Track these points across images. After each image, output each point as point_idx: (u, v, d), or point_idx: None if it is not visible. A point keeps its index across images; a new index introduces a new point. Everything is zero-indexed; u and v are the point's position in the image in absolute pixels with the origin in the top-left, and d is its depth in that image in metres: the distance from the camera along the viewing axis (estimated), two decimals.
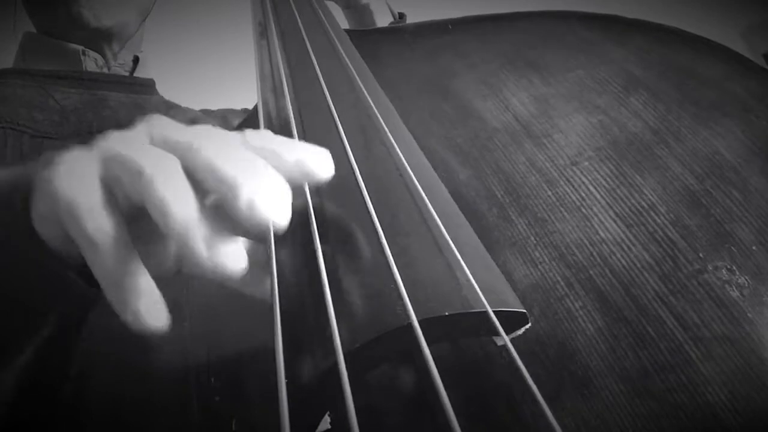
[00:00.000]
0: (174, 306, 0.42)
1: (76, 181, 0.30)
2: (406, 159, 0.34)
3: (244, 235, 0.30)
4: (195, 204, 0.28)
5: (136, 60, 0.89)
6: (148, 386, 0.39)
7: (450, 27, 0.56)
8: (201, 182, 0.29)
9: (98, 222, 0.29)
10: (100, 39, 0.82)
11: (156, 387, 0.38)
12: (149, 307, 0.29)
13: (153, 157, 0.29)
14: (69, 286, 0.36)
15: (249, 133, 0.33)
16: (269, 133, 0.33)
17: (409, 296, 0.25)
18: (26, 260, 0.35)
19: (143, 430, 0.37)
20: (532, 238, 0.36)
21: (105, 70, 0.84)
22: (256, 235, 0.30)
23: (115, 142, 0.32)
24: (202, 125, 0.34)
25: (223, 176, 0.28)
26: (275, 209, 0.28)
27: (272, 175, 0.29)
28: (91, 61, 0.82)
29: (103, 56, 0.84)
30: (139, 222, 0.31)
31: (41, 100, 0.76)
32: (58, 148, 0.34)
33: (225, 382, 0.36)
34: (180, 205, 0.28)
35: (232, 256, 0.28)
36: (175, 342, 0.40)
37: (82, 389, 0.41)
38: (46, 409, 0.42)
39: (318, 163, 0.31)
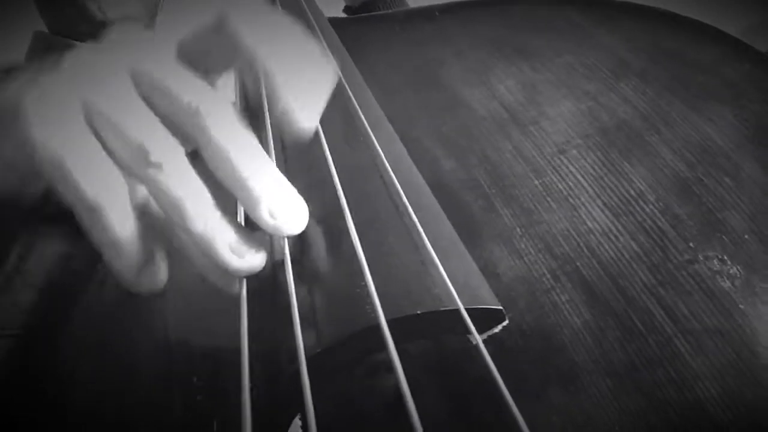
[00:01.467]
0: (157, 301, 0.41)
1: (57, 119, 0.26)
2: (383, 151, 0.33)
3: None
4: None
5: None
6: (131, 385, 0.38)
7: (437, 14, 0.55)
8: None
9: (100, 184, 0.25)
10: None
11: (140, 386, 0.38)
12: (148, 274, 0.28)
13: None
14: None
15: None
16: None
17: (379, 295, 0.24)
18: None
19: (127, 428, 0.36)
20: (518, 229, 0.35)
21: None
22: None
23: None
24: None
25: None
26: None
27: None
28: None
29: None
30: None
31: None
32: None
33: (207, 381, 0.35)
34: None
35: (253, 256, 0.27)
36: (160, 340, 0.39)
37: (67, 388, 0.40)
38: (32, 406, 0.41)
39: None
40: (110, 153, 0.26)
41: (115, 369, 0.40)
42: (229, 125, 0.26)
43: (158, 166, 0.25)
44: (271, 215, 0.26)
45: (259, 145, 0.28)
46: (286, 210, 0.27)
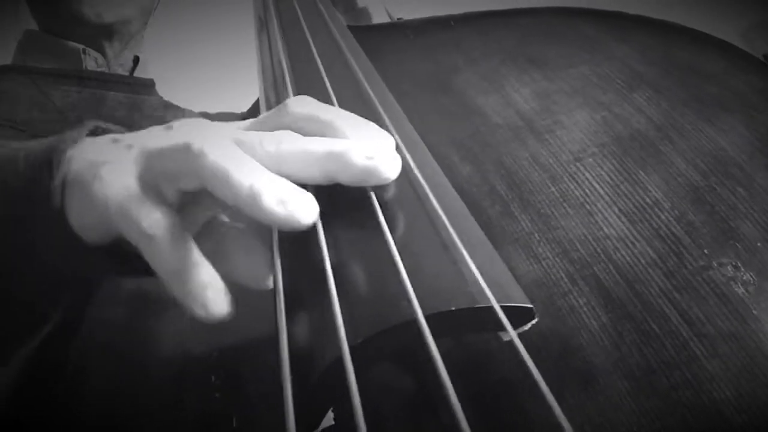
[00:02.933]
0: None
1: (121, 182, 0.31)
2: (410, 154, 0.33)
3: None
4: (258, 166, 0.29)
5: (136, 60, 0.89)
6: (145, 384, 0.38)
7: (452, 23, 0.56)
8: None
9: (152, 217, 0.30)
10: (102, 36, 0.82)
11: (153, 385, 0.38)
12: (215, 295, 0.30)
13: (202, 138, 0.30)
14: (91, 269, 0.36)
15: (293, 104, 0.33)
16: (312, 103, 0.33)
17: (414, 291, 0.25)
18: (57, 241, 0.34)
19: (143, 426, 0.36)
20: (536, 234, 0.36)
21: (105, 70, 0.83)
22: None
23: (148, 138, 0.33)
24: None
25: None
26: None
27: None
28: (92, 60, 0.82)
29: (104, 55, 0.83)
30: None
31: (40, 98, 0.75)
32: None
33: (225, 379, 0.36)
34: (241, 171, 0.28)
35: (305, 206, 0.28)
36: (174, 338, 0.40)
37: (79, 387, 0.40)
38: (43, 407, 0.41)
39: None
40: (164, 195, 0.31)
41: (129, 368, 0.40)
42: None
43: (200, 153, 0.29)
44: (368, 157, 0.29)
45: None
46: (382, 151, 0.30)
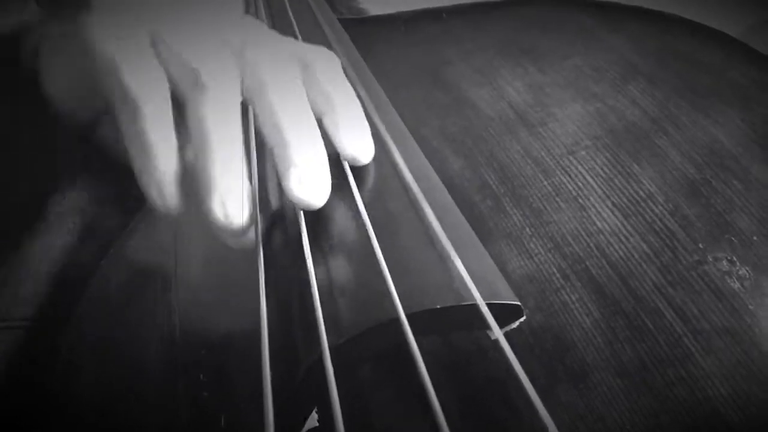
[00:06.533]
0: (162, 285, 0.41)
1: (122, 38, 0.27)
2: (396, 147, 0.33)
3: None
4: (239, 138, 0.27)
5: None
6: (136, 381, 0.38)
7: (444, 15, 0.55)
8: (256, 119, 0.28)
9: (146, 81, 0.26)
10: None
11: (145, 382, 0.38)
12: (173, 188, 0.27)
13: (213, 64, 0.27)
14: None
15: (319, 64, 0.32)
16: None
17: (397, 289, 0.24)
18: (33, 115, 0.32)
19: (132, 425, 0.36)
20: (527, 229, 0.36)
21: None
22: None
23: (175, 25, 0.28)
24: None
25: (281, 137, 0.27)
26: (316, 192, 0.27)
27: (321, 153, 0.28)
28: None
29: None
30: None
31: None
32: None
33: (214, 378, 0.35)
34: (221, 133, 0.26)
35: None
36: (163, 336, 0.39)
37: (70, 384, 0.40)
38: (34, 403, 0.41)
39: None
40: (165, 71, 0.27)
41: (119, 365, 0.40)
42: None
43: (202, 88, 0.26)
44: (300, 181, 0.27)
45: (310, 116, 0.29)
46: (314, 180, 0.28)
